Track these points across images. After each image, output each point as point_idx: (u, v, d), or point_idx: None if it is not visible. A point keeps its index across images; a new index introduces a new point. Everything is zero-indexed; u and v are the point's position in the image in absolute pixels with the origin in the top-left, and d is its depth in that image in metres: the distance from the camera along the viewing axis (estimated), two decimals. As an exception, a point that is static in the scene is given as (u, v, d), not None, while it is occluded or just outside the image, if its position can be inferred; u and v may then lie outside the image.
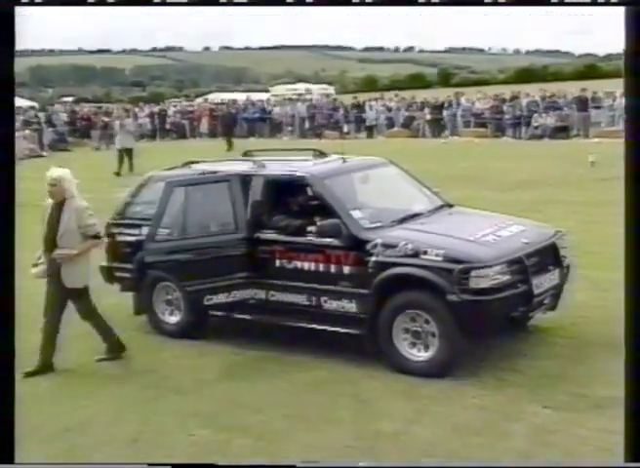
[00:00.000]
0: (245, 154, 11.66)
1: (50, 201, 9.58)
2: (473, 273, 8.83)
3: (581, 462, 6.29)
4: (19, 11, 5.84)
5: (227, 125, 43.26)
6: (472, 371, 9.12)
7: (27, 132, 44.41)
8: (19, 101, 66.34)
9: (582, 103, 39.04)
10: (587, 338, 10.11)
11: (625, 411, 5.44)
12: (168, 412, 8.58)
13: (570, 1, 5.95)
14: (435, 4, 5.95)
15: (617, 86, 43.81)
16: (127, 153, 31.11)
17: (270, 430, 8.01)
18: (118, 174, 29.99)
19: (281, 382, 9.22)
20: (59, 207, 9.46)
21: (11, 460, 5.77)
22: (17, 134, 43.07)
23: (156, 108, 56.30)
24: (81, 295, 9.79)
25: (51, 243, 9.49)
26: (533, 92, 43.39)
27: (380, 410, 8.33)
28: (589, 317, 10.83)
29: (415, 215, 10.29)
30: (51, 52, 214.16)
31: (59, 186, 9.38)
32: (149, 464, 5.14)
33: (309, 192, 10.40)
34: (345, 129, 45.66)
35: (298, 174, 10.44)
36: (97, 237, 9.72)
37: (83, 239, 9.52)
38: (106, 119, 47.19)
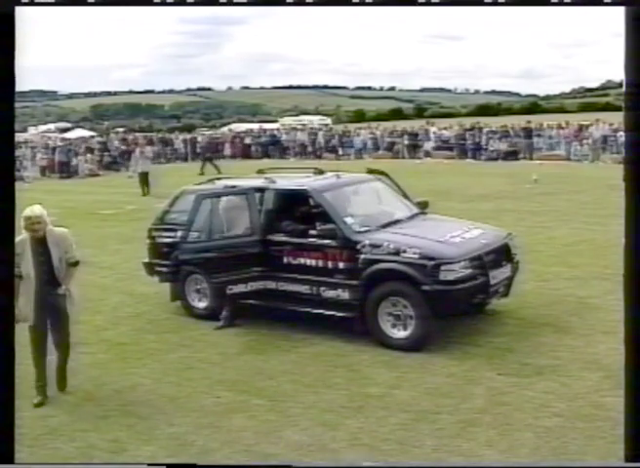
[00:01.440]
0: (259, 172, 11.63)
1: (21, 238, 7.68)
2: (443, 268, 8.86)
3: (582, 462, 6.20)
4: (19, 11, 5.30)
5: (207, 151, 41.32)
6: (442, 346, 9.09)
7: (88, 156, 44.29)
8: (82, 132, 66.37)
9: (528, 133, 39.15)
10: (532, 320, 10.11)
11: (625, 411, 5.28)
12: (199, 378, 8.56)
13: (570, 1, 5.46)
14: (435, 4, 5.52)
15: (553, 119, 44.05)
16: (144, 176, 28.62)
17: (280, 392, 8.00)
18: (144, 194, 27.62)
19: (289, 355, 9.19)
20: (41, 241, 7.87)
21: (11, 460, 5.34)
22: (80, 157, 43.33)
23: (188, 136, 56.26)
24: (67, 322, 8.13)
25: (48, 275, 7.86)
26: (490, 123, 43.50)
27: (367, 377, 8.32)
28: (533, 302, 10.86)
29: (396, 221, 10.26)
30: (107, 93, 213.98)
31: (42, 222, 7.81)
32: (149, 464, 4.93)
33: (311, 202, 10.34)
34: (340, 152, 45.63)
35: (302, 187, 10.43)
36: (76, 264, 8.09)
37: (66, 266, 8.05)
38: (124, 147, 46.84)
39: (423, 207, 11.16)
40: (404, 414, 7.26)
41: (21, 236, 7.65)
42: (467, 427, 6.92)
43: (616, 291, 8.27)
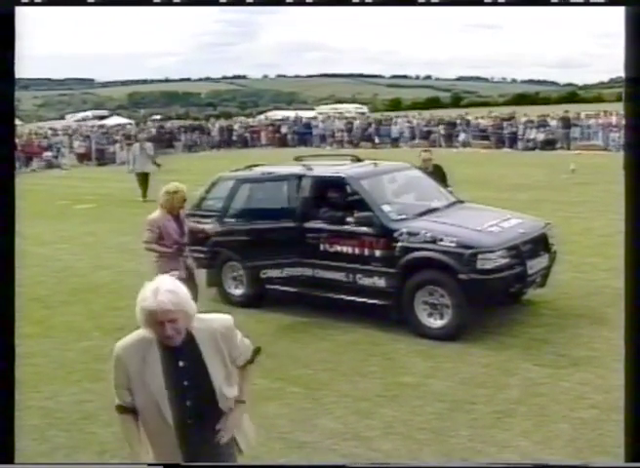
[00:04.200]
0: (296, 159, 11.64)
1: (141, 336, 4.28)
2: (480, 257, 8.82)
3: (582, 462, 6.14)
4: (19, 11, 5.32)
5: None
6: (478, 336, 9.06)
7: (125, 143, 44.41)
8: (119, 119, 66.79)
9: (565, 122, 38.83)
10: (568, 310, 10.06)
11: (625, 412, 5.22)
12: (234, 365, 8.55)
13: (570, 1, 5.39)
14: (435, 4, 5.45)
15: (592, 109, 43.58)
16: (144, 177, 23.73)
17: (315, 380, 8.01)
18: (145, 200, 22.30)
19: (324, 343, 9.21)
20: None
21: (11, 460, 5.34)
22: (117, 145, 43.44)
23: (225, 124, 56.44)
24: None
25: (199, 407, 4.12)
26: (528, 113, 43.21)
27: (403, 366, 8.31)
28: (570, 293, 10.79)
29: (433, 210, 10.23)
30: (144, 81, 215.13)
31: (181, 310, 4.12)
32: (149, 464, 4.89)
33: (348, 190, 10.34)
34: (376, 140, 45.63)
35: (339, 175, 10.43)
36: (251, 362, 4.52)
37: None
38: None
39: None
40: (439, 404, 7.24)
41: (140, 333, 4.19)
42: (503, 418, 6.89)
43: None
